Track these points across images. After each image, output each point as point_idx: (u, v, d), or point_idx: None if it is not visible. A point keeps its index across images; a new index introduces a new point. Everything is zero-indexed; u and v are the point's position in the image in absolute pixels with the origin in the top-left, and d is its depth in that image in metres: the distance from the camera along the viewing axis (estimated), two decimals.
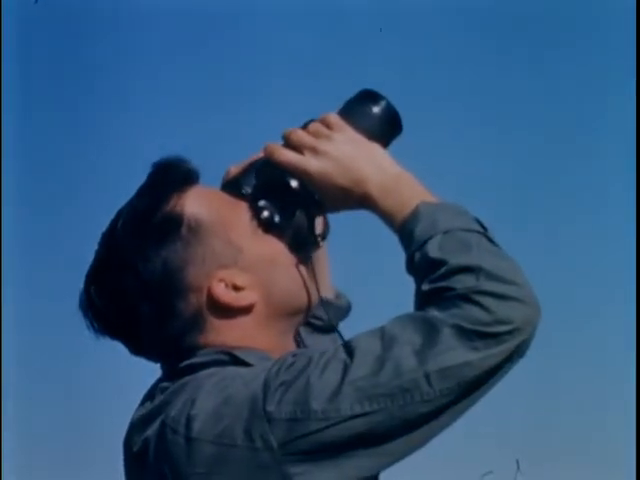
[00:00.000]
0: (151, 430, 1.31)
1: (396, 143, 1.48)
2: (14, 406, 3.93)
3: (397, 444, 1.26)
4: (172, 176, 1.43)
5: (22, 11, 4.43)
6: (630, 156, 3.70)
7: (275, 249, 1.44)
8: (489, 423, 5.14)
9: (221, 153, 1.54)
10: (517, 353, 1.26)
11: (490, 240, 1.32)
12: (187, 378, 1.33)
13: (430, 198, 1.37)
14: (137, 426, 1.35)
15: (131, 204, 1.42)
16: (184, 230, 1.38)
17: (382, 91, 1.48)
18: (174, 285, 1.37)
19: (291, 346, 1.45)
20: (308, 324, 1.63)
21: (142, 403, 1.38)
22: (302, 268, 1.45)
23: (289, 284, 1.43)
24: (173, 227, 1.38)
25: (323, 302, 1.63)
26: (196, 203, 1.41)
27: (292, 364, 1.27)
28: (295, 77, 4.84)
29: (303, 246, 1.61)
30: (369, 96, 1.48)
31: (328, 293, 1.66)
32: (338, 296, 1.69)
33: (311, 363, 1.26)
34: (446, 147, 5.12)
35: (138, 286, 1.37)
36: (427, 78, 5.18)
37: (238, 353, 1.36)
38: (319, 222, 1.60)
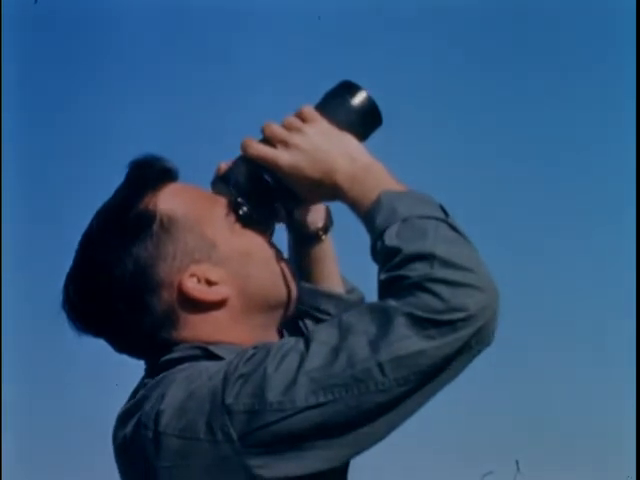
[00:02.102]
0: (130, 425, 1.33)
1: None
2: (13, 404, 3.93)
3: (358, 434, 1.26)
4: (147, 174, 1.44)
5: (22, 11, 4.43)
6: (630, 156, 3.70)
7: (252, 244, 1.44)
8: (489, 423, 5.14)
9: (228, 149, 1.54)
10: (477, 340, 1.25)
11: (452, 227, 1.31)
12: (163, 374, 1.35)
13: (397, 187, 1.36)
14: (120, 421, 1.37)
15: (106, 204, 1.44)
16: (156, 227, 1.40)
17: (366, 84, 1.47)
18: (145, 282, 1.38)
19: (273, 340, 1.44)
20: (316, 319, 1.63)
21: (128, 399, 1.40)
22: (283, 263, 1.46)
23: (266, 278, 1.43)
24: (145, 224, 1.40)
25: (331, 296, 1.63)
26: (170, 200, 1.42)
27: (251, 356, 1.28)
28: (294, 71, 4.84)
29: (303, 240, 1.61)
30: (347, 88, 1.47)
31: (338, 287, 1.66)
32: (351, 290, 1.68)
33: (269, 355, 1.26)
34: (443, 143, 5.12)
35: (111, 284, 1.38)
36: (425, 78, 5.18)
37: (212, 348, 1.37)
38: (321, 216, 1.60)
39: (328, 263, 1.65)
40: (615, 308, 4.92)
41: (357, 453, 1.31)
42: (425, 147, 4.88)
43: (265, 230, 1.46)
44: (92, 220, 1.44)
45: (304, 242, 1.63)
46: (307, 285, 1.63)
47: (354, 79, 1.48)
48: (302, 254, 1.64)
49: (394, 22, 4.88)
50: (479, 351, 1.27)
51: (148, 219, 1.40)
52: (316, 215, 1.60)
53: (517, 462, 4.76)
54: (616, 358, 4.77)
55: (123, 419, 1.36)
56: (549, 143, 5.38)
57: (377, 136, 1.50)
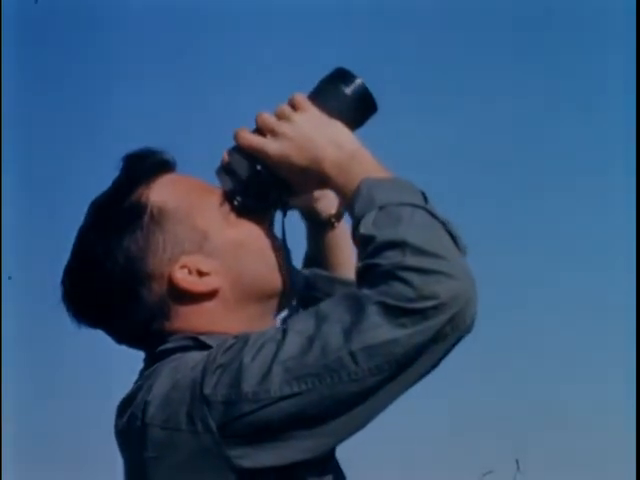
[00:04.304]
0: (126, 416, 1.35)
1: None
2: (13, 404, 3.93)
3: (336, 424, 1.25)
4: (140, 167, 1.44)
5: (22, 11, 4.43)
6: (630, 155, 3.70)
7: (246, 234, 1.44)
8: (489, 422, 5.14)
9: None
10: (453, 328, 1.23)
11: (430, 214, 1.29)
12: (157, 364, 1.35)
13: (381, 174, 1.36)
14: (118, 412, 1.38)
15: (100, 197, 1.45)
16: (146, 219, 1.40)
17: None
18: (136, 274, 1.39)
19: None
20: None
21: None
22: (279, 252, 1.45)
23: (260, 268, 1.43)
24: (135, 217, 1.40)
25: (347, 283, 1.62)
26: (162, 191, 1.43)
27: (230, 347, 1.28)
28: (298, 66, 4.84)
29: (317, 227, 1.61)
30: (341, 75, 1.46)
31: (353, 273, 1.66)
32: None
33: (247, 345, 1.26)
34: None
35: (104, 277, 1.39)
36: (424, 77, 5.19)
37: (204, 338, 1.36)
38: (333, 203, 1.61)
39: (343, 250, 1.64)
40: (615, 307, 4.92)
41: (336, 443, 1.30)
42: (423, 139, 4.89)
43: (261, 220, 1.46)
44: (86, 213, 1.45)
45: (318, 229, 1.63)
46: (323, 272, 1.63)
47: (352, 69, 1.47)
48: (317, 241, 1.64)
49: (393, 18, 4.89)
50: (458, 339, 1.25)
51: (139, 211, 1.40)
52: (328, 202, 1.60)
53: (517, 462, 4.76)
54: (616, 358, 4.77)
55: (121, 410, 1.37)
56: (548, 143, 5.38)
57: (373, 124, 1.49)
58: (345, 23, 4.88)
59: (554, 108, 5.31)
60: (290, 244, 1.49)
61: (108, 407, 1.42)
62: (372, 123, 1.48)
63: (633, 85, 3.56)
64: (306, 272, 1.65)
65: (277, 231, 1.49)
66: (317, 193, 1.57)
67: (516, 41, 5.23)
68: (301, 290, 1.53)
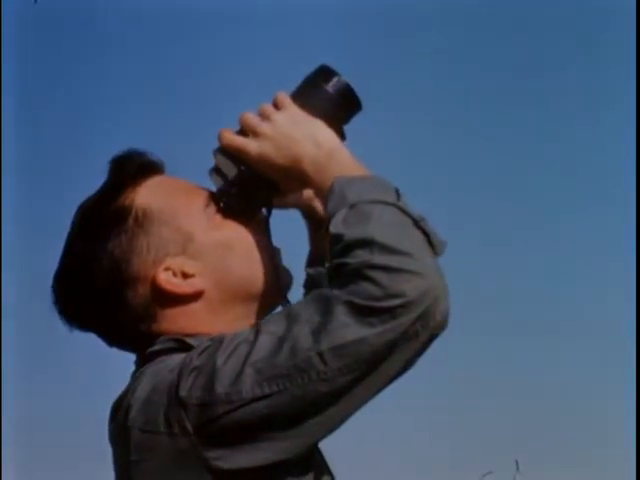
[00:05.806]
0: (115, 418, 1.35)
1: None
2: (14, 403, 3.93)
3: (310, 425, 1.25)
4: (126, 170, 1.44)
5: (22, 11, 4.44)
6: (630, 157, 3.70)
7: (232, 235, 1.44)
8: (488, 423, 5.14)
9: None
10: (423, 326, 1.22)
11: (402, 211, 1.28)
12: (145, 367, 1.36)
13: (358, 172, 1.35)
14: (110, 414, 1.38)
15: (86, 201, 1.45)
16: (130, 222, 1.40)
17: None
18: (121, 277, 1.39)
19: None
20: None
21: None
22: (268, 252, 1.45)
23: (246, 269, 1.43)
24: (120, 220, 1.40)
25: None
26: (147, 194, 1.43)
27: (206, 349, 1.28)
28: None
29: (317, 226, 1.60)
30: (323, 73, 1.45)
31: None
32: None
33: (221, 347, 1.27)
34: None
35: (90, 281, 1.40)
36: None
37: (189, 339, 1.36)
38: None
39: None
40: (615, 306, 4.93)
41: (312, 443, 1.30)
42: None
43: (249, 220, 1.45)
44: (73, 218, 1.45)
45: (318, 228, 1.61)
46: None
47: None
48: (318, 240, 1.63)
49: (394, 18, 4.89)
50: (431, 337, 1.25)
51: (123, 215, 1.41)
52: None
53: (517, 462, 4.76)
54: (616, 357, 4.77)
55: (112, 413, 1.37)
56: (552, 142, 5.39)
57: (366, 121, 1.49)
58: (346, 24, 4.88)
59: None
60: (294, 243, 1.49)
61: (106, 408, 1.42)
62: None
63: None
64: (310, 271, 1.65)
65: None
66: (313, 191, 1.57)
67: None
68: (304, 288, 1.52)
